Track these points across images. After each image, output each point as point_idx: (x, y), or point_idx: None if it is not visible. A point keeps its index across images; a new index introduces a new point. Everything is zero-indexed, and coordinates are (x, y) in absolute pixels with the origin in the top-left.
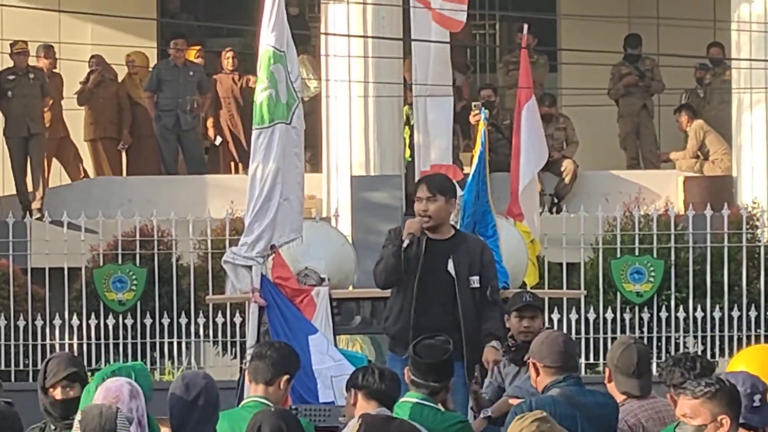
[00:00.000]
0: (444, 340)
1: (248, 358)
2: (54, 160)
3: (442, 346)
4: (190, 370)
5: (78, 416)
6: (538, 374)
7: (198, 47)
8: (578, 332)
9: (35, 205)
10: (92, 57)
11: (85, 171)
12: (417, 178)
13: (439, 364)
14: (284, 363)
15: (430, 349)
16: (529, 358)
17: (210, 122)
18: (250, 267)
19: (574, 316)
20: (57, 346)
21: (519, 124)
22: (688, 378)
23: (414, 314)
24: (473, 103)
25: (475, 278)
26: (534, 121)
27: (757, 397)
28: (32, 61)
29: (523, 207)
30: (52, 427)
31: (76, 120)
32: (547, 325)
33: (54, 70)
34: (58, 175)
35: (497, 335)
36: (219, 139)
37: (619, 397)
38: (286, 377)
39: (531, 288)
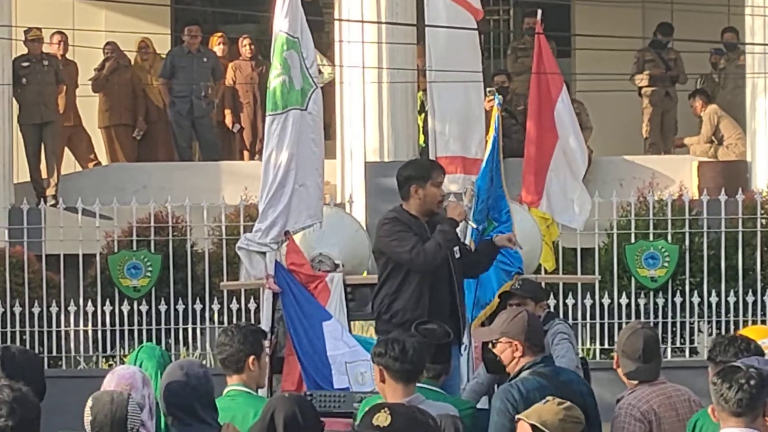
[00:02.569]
0: (438, 324)
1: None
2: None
3: (442, 329)
4: (185, 359)
5: (89, 402)
6: (518, 351)
7: (220, 34)
8: (593, 317)
9: (50, 191)
10: (107, 44)
11: (97, 160)
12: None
13: (443, 346)
14: (246, 347)
15: (433, 332)
16: (500, 338)
17: (228, 109)
18: (264, 253)
19: (588, 302)
20: (72, 333)
21: (538, 109)
22: (740, 357)
23: (429, 300)
24: (487, 89)
25: (457, 248)
26: (572, 112)
27: None
28: (46, 48)
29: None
30: None
31: (90, 108)
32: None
33: (68, 57)
34: (72, 161)
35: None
36: (237, 126)
37: (629, 383)
38: (251, 358)
39: (548, 273)
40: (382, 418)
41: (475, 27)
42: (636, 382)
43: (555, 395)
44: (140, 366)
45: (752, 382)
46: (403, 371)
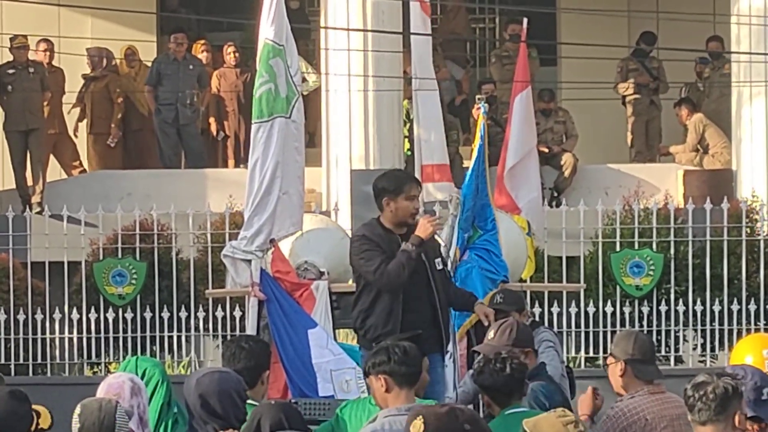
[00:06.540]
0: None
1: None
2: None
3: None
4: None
5: (77, 410)
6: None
7: (203, 41)
8: (578, 326)
9: (35, 199)
10: (94, 48)
11: (82, 167)
12: (417, 172)
13: None
14: (264, 360)
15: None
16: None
17: (212, 117)
18: (249, 261)
19: (573, 310)
20: (57, 340)
21: (511, 115)
22: None
23: (402, 314)
24: (477, 97)
25: (439, 260)
26: (524, 110)
27: (765, 391)
28: (32, 55)
29: (516, 196)
30: None
31: (75, 115)
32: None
33: (54, 65)
34: (57, 169)
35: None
36: (222, 134)
37: (621, 391)
38: (266, 373)
39: (533, 281)
40: (417, 426)
41: (430, 33)
42: (630, 394)
43: (559, 397)
44: (143, 373)
45: (717, 392)
46: (409, 374)
